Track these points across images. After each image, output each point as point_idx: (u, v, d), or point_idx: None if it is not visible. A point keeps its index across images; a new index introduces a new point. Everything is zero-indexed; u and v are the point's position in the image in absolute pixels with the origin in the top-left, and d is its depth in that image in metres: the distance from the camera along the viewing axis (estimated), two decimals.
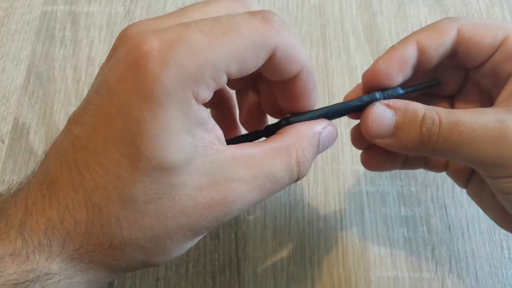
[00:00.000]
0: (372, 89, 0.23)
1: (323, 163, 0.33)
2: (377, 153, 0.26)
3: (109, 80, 0.17)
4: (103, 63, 0.20)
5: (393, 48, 0.23)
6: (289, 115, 0.22)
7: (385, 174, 0.33)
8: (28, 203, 0.18)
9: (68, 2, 0.39)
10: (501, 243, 0.31)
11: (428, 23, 0.39)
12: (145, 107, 0.17)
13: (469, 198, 0.32)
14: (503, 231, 0.31)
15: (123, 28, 0.20)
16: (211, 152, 0.18)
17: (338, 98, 0.35)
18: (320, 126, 0.21)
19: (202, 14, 0.19)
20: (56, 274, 0.17)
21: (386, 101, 0.23)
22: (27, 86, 0.36)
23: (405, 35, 0.39)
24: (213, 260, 0.30)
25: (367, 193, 0.32)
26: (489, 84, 0.24)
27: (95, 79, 0.20)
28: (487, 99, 0.25)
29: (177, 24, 0.17)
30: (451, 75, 0.25)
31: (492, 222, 0.31)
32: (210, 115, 0.20)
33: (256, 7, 0.21)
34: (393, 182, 0.32)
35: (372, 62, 0.36)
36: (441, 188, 0.32)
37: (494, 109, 0.21)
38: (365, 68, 0.37)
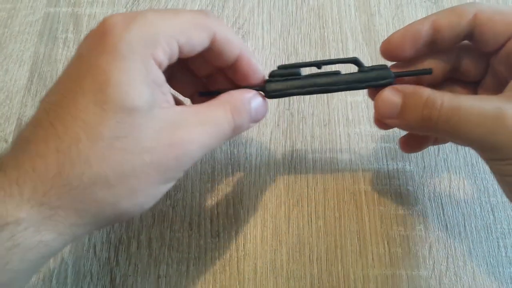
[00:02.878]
0: (388, 58, 0.26)
1: (322, 163, 0.33)
2: (413, 139, 0.30)
3: (79, 50, 0.21)
4: None
5: (410, 24, 0.26)
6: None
7: (383, 174, 0.33)
8: (2, 164, 0.19)
9: (71, 3, 0.40)
10: (497, 242, 0.31)
11: None
12: (111, 60, 0.20)
13: (466, 197, 0.32)
14: (500, 229, 0.31)
15: None
16: (166, 106, 0.22)
17: (337, 98, 0.36)
18: (249, 92, 0.25)
19: (173, 15, 0.23)
20: (24, 221, 0.18)
21: (396, 86, 0.25)
22: (30, 86, 0.36)
23: None
24: (214, 258, 0.31)
25: (365, 192, 0.32)
26: (505, 72, 0.25)
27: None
28: (504, 87, 0.25)
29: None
30: (472, 62, 0.27)
31: (489, 220, 0.32)
32: (167, 84, 0.23)
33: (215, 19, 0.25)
34: (391, 182, 0.33)
35: (370, 63, 0.37)
36: (438, 188, 0.32)
37: (498, 97, 0.23)
38: None
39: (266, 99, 0.26)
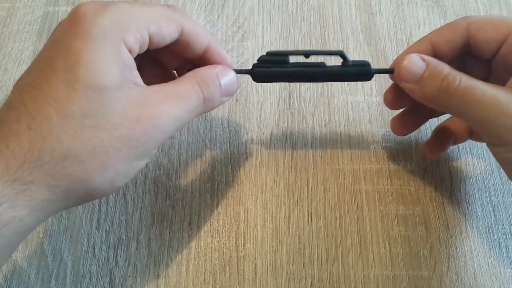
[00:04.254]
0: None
1: (322, 162, 0.33)
2: (404, 117, 0.31)
3: (52, 36, 0.22)
4: None
5: (410, 46, 0.29)
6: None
7: (384, 174, 0.33)
8: None
9: (70, 2, 0.40)
10: (499, 242, 0.31)
11: (427, 23, 0.39)
12: (82, 41, 0.21)
13: (467, 197, 0.32)
14: (501, 230, 0.31)
15: None
16: (135, 86, 0.22)
17: (337, 97, 0.36)
18: (216, 67, 0.26)
19: (142, 10, 0.24)
20: None
21: (421, 55, 0.27)
22: None
23: (403, 36, 0.39)
24: (213, 258, 0.30)
25: (366, 192, 0.32)
26: (504, 74, 0.26)
27: None
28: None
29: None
30: (475, 66, 0.29)
31: (491, 221, 0.31)
32: (137, 70, 0.23)
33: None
34: (392, 182, 0.33)
35: (371, 62, 0.37)
36: (439, 188, 0.32)
37: (506, 87, 0.25)
38: None
39: (236, 74, 0.27)
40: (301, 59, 0.27)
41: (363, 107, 0.35)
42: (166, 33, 0.24)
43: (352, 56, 0.37)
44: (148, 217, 0.32)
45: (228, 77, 0.26)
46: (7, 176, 0.19)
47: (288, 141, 0.34)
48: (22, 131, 0.20)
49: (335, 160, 0.33)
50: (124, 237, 0.31)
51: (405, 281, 0.30)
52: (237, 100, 0.35)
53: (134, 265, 0.30)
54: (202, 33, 0.25)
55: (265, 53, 0.27)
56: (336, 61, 0.27)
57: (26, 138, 0.20)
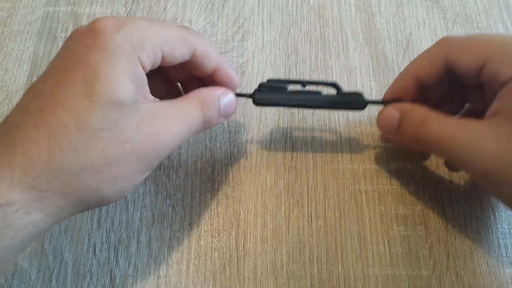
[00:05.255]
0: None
1: (322, 162, 0.33)
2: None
3: (70, 45, 0.23)
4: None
5: (395, 80, 0.30)
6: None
7: (384, 173, 0.33)
8: None
9: (70, 3, 0.40)
10: (498, 242, 0.31)
11: (426, 24, 0.39)
12: (101, 56, 0.21)
13: (466, 197, 0.32)
14: (500, 229, 0.31)
15: None
16: (147, 101, 0.24)
17: None
18: (219, 90, 0.27)
19: (161, 28, 0.25)
20: (16, 203, 0.19)
21: (398, 103, 0.29)
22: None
23: (403, 36, 0.39)
24: (214, 258, 0.30)
25: (366, 192, 0.32)
26: (491, 96, 0.26)
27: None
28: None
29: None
30: (470, 90, 0.29)
31: (490, 220, 0.32)
32: (148, 87, 0.24)
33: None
34: (392, 181, 0.33)
35: (370, 62, 0.38)
36: (438, 187, 0.32)
37: (479, 123, 0.25)
38: (363, 68, 0.38)
39: (236, 97, 0.28)
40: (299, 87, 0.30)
41: None
42: (179, 54, 0.25)
43: (352, 56, 0.37)
44: (149, 217, 0.32)
45: (228, 100, 0.27)
46: (25, 184, 0.20)
47: (288, 141, 0.34)
48: (41, 139, 0.20)
49: (335, 160, 0.33)
50: (125, 237, 0.31)
51: (404, 281, 0.30)
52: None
53: (135, 265, 0.30)
54: (213, 55, 0.26)
55: (265, 80, 0.30)
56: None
57: (45, 147, 0.20)
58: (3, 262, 0.20)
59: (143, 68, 0.23)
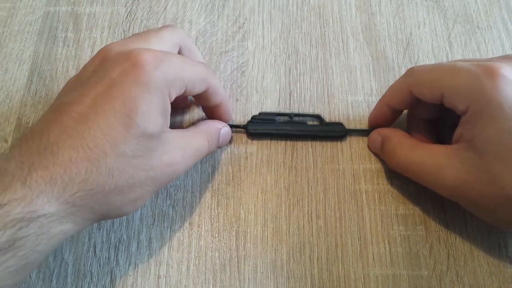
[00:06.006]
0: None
1: (322, 162, 0.33)
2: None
3: (111, 74, 0.24)
4: (87, 64, 0.27)
5: (374, 108, 0.33)
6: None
7: (384, 173, 0.33)
8: (31, 163, 0.22)
9: (71, 2, 0.40)
10: (498, 242, 0.31)
11: (427, 23, 0.39)
12: (140, 92, 0.24)
13: None
14: None
15: (125, 28, 0.23)
16: (168, 131, 0.27)
17: (338, 97, 0.36)
18: (221, 124, 0.32)
19: (156, 40, 0.28)
20: (53, 215, 0.22)
21: (381, 128, 0.33)
22: (30, 86, 0.36)
23: (403, 36, 0.39)
24: (214, 258, 0.30)
25: (366, 192, 0.32)
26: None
27: (79, 75, 0.27)
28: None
29: (162, 50, 0.26)
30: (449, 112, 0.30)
31: None
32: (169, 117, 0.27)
33: (192, 43, 0.32)
34: (392, 181, 0.33)
35: (371, 62, 0.38)
36: None
37: (445, 149, 0.27)
38: (364, 68, 0.38)
39: (231, 129, 0.33)
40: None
41: (363, 107, 0.35)
42: (197, 90, 0.28)
43: (352, 56, 0.37)
44: (149, 216, 0.32)
45: (225, 132, 0.32)
46: (62, 199, 0.22)
47: (288, 141, 0.34)
48: (81, 161, 0.22)
49: (335, 160, 0.33)
50: (125, 237, 0.31)
51: (404, 281, 0.30)
52: (237, 100, 0.35)
53: (135, 265, 0.30)
54: (221, 92, 0.30)
55: (257, 113, 0.34)
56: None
57: (84, 169, 0.22)
58: (37, 262, 0.23)
59: (170, 100, 0.26)
